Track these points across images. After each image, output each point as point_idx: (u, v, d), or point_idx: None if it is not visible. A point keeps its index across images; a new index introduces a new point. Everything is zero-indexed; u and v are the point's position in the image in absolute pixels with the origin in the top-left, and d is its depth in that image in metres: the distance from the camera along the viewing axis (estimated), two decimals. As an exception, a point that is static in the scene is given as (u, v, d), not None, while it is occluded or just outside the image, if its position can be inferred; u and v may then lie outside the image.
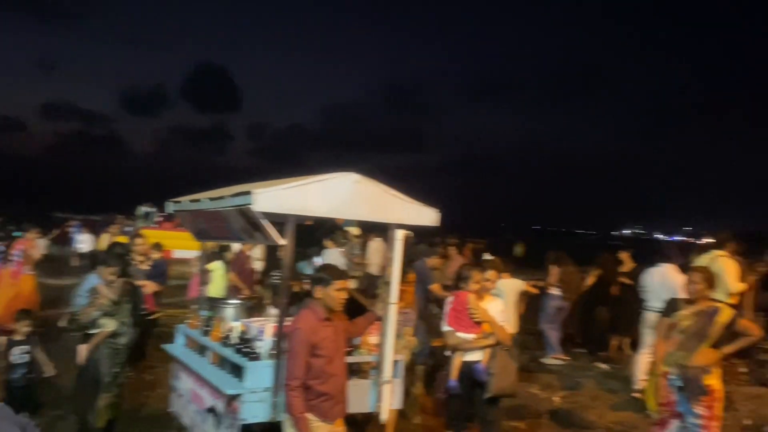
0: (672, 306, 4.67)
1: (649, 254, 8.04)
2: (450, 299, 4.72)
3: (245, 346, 4.20)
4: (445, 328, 4.66)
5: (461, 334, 4.57)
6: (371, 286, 5.69)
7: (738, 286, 6.67)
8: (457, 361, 4.59)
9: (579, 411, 6.60)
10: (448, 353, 4.72)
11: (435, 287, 7.43)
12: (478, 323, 4.53)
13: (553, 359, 8.66)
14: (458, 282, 4.73)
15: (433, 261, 7.51)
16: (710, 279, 4.54)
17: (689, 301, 4.52)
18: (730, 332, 4.37)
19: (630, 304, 7.99)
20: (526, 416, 6.39)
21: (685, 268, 7.22)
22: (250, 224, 3.86)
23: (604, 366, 8.41)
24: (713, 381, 4.32)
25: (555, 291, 8.71)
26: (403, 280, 4.86)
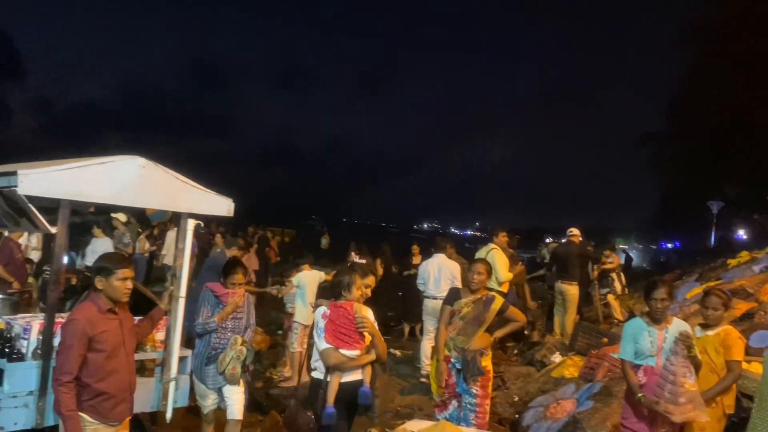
0: (453, 295, 5.07)
1: (429, 247, 8.70)
2: (324, 311, 3.85)
3: (5, 345, 3.72)
4: (323, 345, 3.74)
5: (345, 352, 3.73)
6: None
7: (507, 275, 7.50)
8: (335, 383, 3.74)
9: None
10: (316, 374, 3.90)
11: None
12: (363, 337, 3.80)
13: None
14: (338, 290, 3.89)
15: (233, 252, 7.33)
16: (489, 271, 5.04)
17: (471, 290, 4.92)
18: (502, 318, 4.90)
19: (418, 293, 8.56)
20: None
21: (458, 259, 8.04)
22: (14, 209, 3.42)
23: (396, 352, 8.90)
24: (487, 362, 4.80)
25: None
26: (234, 279, 4.65)
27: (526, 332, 9.64)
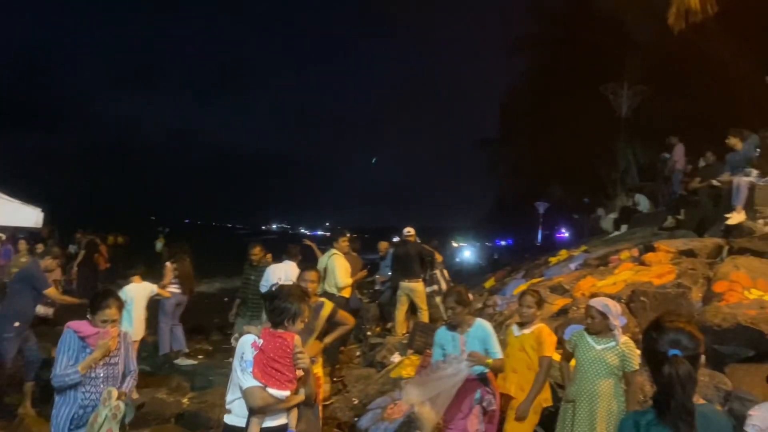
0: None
1: (281, 250, 8.47)
2: (254, 339, 3.15)
3: None
4: (250, 382, 3.06)
5: (274, 391, 3.07)
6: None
7: (346, 280, 7.54)
8: (256, 429, 3.11)
9: (207, 411, 6.51)
10: (232, 419, 3.24)
11: (51, 291, 6.56)
12: (296, 374, 3.19)
13: (186, 360, 8.52)
14: (280, 318, 3.17)
15: (47, 262, 6.59)
16: (320, 278, 5.02)
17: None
18: (331, 323, 4.90)
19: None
20: (151, 423, 6.11)
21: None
22: None
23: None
24: (318, 369, 4.76)
25: (173, 288, 8.52)
26: (106, 315, 3.68)
27: (369, 333, 9.81)
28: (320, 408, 4.84)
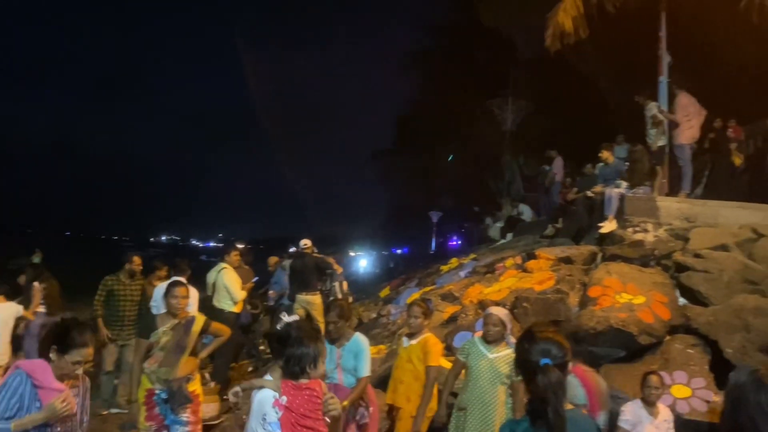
0: (151, 325, 4.74)
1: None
2: (274, 397, 2.76)
3: None
4: None
5: None
6: None
7: (240, 294, 7.32)
8: None
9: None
10: None
11: None
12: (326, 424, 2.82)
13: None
14: (295, 366, 2.79)
15: None
16: (188, 293, 4.77)
17: (172, 315, 4.60)
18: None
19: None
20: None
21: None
22: None
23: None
24: (195, 386, 4.57)
25: (39, 308, 7.84)
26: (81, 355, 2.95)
27: (262, 347, 9.56)
28: (200, 426, 4.65)
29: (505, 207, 19.30)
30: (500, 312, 4.32)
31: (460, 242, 26.24)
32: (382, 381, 5.35)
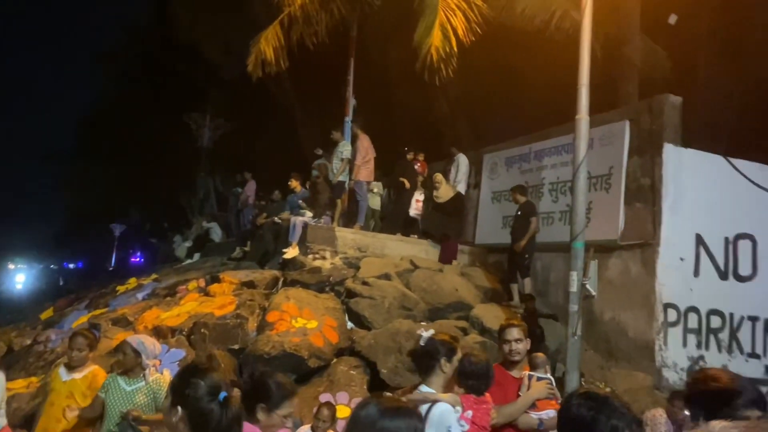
0: None
1: None
2: (456, 413, 2.86)
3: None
4: None
5: None
6: None
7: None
8: None
9: None
10: None
11: None
12: None
13: None
14: (486, 383, 3.17)
15: None
16: None
17: None
18: None
19: None
20: None
21: None
22: None
23: None
24: None
25: None
26: None
27: None
28: None
29: (196, 225, 18.82)
30: (134, 340, 4.01)
31: (143, 259, 24.64)
32: (28, 420, 4.79)
